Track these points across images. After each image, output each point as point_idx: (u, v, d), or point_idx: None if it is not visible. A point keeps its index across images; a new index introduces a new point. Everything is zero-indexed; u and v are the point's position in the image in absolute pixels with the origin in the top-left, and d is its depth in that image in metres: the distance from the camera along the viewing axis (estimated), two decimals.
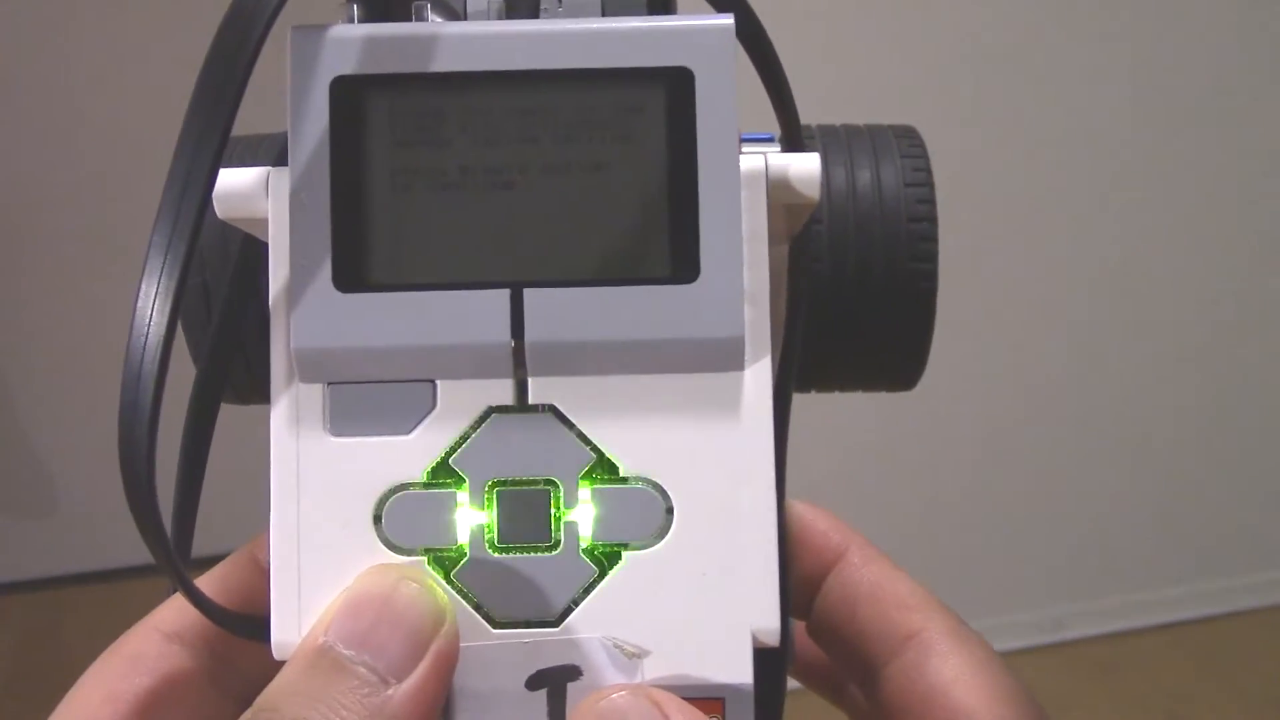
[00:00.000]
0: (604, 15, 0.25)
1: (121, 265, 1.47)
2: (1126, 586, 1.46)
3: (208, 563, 0.26)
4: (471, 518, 0.23)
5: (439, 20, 0.24)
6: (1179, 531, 1.46)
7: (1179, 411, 1.42)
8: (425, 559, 0.23)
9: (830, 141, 0.28)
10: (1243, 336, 1.41)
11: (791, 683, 0.29)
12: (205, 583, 0.25)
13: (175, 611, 0.25)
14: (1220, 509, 1.47)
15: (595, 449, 0.23)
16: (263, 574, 0.25)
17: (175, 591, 0.23)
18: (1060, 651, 1.42)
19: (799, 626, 0.28)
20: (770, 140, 0.26)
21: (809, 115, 0.27)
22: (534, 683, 0.22)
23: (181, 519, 0.26)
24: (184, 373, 0.25)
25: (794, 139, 0.24)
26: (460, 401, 0.23)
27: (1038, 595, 1.43)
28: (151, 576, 0.20)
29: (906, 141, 0.28)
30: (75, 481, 1.60)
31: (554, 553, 0.23)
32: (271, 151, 0.28)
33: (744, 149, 0.25)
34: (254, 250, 0.26)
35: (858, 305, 0.27)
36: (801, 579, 0.27)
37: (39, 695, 1.36)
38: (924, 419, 1.28)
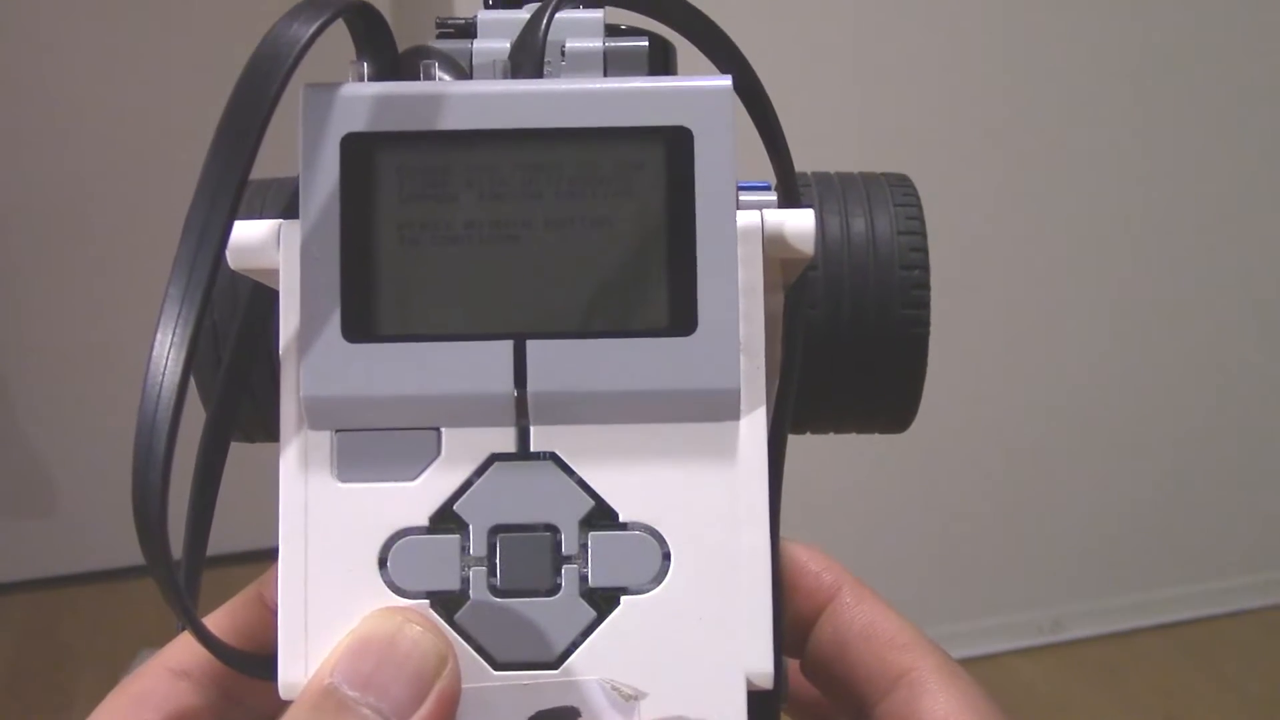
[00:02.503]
0: (606, 74, 0.26)
1: (122, 266, 1.48)
2: (1126, 586, 1.46)
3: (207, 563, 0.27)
4: (474, 562, 0.23)
5: (446, 79, 0.25)
6: (1179, 531, 1.47)
7: (1179, 412, 1.42)
8: (428, 602, 0.23)
9: (825, 190, 0.28)
10: (1242, 337, 1.42)
11: None
12: (213, 621, 0.26)
13: (184, 649, 0.25)
14: (1220, 509, 1.47)
15: (595, 496, 0.23)
16: (270, 612, 0.25)
17: (184, 629, 0.24)
18: (1060, 651, 1.43)
19: (793, 665, 0.28)
20: (766, 189, 0.26)
21: (805, 163, 0.27)
22: None
23: (191, 557, 0.26)
24: (192, 410, 0.26)
25: (790, 191, 0.25)
26: (464, 449, 0.23)
27: (1038, 595, 1.44)
28: (150, 577, 0.21)
29: (900, 190, 0.28)
30: (75, 481, 1.60)
31: (554, 596, 0.23)
32: (280, 196, 0.28)
33: (741, 196, 0.25)
34: (263, 294, 0.26)
35: (852, 350, 0.27)
36: (795, 619, 0.27)
37: (39, 695, 1.37)
38: (925, 420, 1.28)
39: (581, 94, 0.23)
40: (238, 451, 0.29)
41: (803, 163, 0.27)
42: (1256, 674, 1.40)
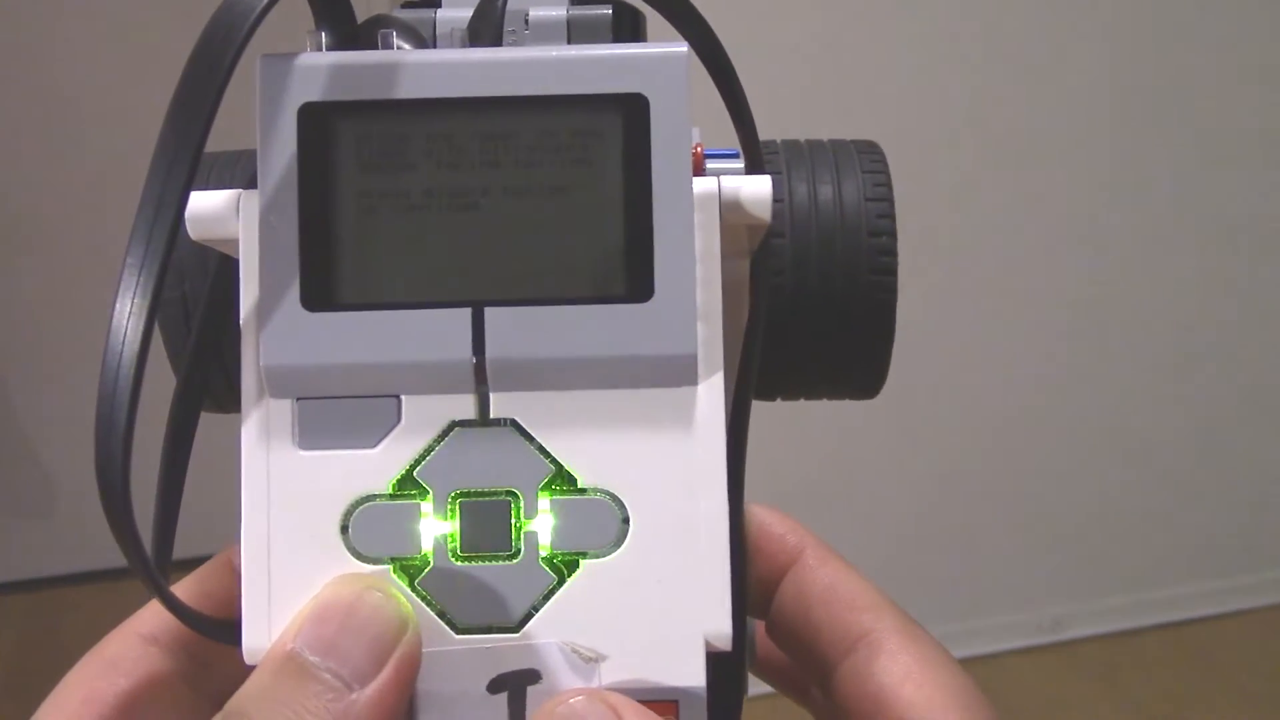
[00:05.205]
0: (570, 42, 0.26)
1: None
2: (1126, 586, 1.46)
3: (188, 565, 0.27)
4: (435, 528, 0.23)
5: (405, 47, 0.25)
6: (1179, 531, 1.46)
7: (1178, 412, 1.42)
8: (390, 568, 0.23)
9: (793, 156, 0.28)
10: (1241, 336, 1.41)
11: (762, 686, 0.30)
12: (182, 588, 0.26)
13: (154, 615, 0.26)
14: (1220, 509, 1.47)
15: (554, 461, 0.23)
16: (239, 579, 0.25)
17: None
18: (1060, 651, 1.43)
19: (760, 626, 0.28)
20: (734, 156, 0.26)
21: (774, 129, 0.27)
22: (495, 686, 0.23)
23: (163, 526, 0.26)
24: (164, 379, 0.26)
25: (753, 158, 0.25)
26: (424, 416, 0.24)
27: (1038, 595, 1.44)
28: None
29: (868, 157, 0.28)
30: (75, 481, 1.60)
31: (514, 561, 0.23)
32: (249, 168, 0.28)
33: (708, 164, 0.26)
34: (230, 264, 0.26)
35: (820, 317, 0.27)
36: (758, 581, 0.27)
37: (39, 695, 1.37)
38: (924, 418, 1.28)
39: (537, 62, 0.23)
40: (223, 453, 0.29)
41: (772, 130, 0.27)
42: (1257, 674, 1.40)
